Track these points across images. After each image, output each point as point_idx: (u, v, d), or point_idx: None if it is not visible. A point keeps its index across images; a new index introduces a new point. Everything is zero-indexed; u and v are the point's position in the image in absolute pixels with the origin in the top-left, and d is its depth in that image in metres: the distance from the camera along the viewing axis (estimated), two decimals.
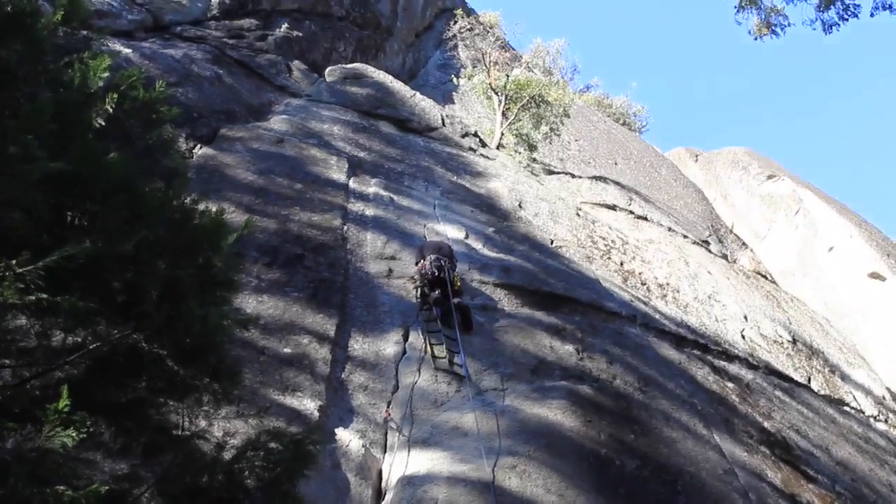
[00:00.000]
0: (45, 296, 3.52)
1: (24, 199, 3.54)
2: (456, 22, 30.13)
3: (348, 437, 8.30)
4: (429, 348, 9.87)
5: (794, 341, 16.41)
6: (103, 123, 4.48)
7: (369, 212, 12.83)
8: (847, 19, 16.67)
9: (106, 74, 4.48)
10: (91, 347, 4.06)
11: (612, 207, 20.64)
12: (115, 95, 4.64)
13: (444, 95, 25.44)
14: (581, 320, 11.59)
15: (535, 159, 22.29)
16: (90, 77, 4.39)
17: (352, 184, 13.51)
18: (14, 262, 3.44)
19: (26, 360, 3.91)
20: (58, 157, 3.65)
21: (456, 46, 29.32)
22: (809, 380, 14.73)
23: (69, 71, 4.35)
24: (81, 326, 3.99)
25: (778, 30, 17.56)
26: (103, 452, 4.33)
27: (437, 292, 10.36)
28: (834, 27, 16.85)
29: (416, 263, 10.95)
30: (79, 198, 3.95)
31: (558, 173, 22.58)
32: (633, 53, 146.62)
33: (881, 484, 11.91)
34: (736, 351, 13.91)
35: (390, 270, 11.42)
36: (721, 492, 8.99)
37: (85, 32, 4.72)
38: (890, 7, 15.99)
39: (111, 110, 4.55)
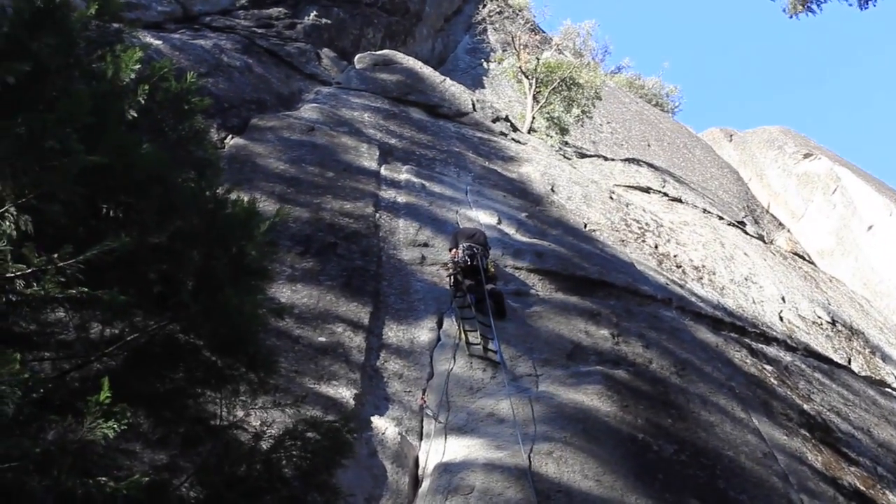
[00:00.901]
0: (85, 289, 3.55)
1: (61, 193, 3.57)
2: (485, 5, 30.04)
3: (384, 425, 8.33)
4: (463, 335, 9.86)
5: (834, 322, 16.25)
6: (136, 115, 4.51)
7: (401, 199, 12.84)
8: None
9: (137, 66, 4.49)
10: (129, 339, 4.09)
11: (646, 190, 20.51)
12: (147, 87, 4.66)
13: (475, 80, 25.33)
14: (616, 304, 11.54)
15: (566, 143, 22.18)
16: (122, 69, 4.41)
17: (383, 171, 13.52)
18: (56, 255, 3.47)
19: (66, 352, 3.95)
20: (92, 150, 3.67)
21: (485, 30, 29.19)
22: (850, 361, 14.59)
23: (101, 63, 4.37)
24: (119, 318, 4.02)
25: (813, 6, 17.35)
26: (143, 443, 4.37)
27: (470, 279, 10.36)
28: (870, 3, 16.64)
29: (450, 250, 10.95)
30: (112, 190, 3.97)
31: (591, 156, 22.45)
32: (664, 33, 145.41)
33: None
34: (774, 333, 13.80)
35: (423, 257, 11.43)
36: (761, 475, 8.93)
37: (116, 25, 4.74)
38: None
39: (143, 102, 4.57)
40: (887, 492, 10.27)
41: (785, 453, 9.66)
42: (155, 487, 3.86)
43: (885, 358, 16.07)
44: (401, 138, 15.43)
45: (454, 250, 10.75)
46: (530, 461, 7.66)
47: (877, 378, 14.56)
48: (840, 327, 16.21)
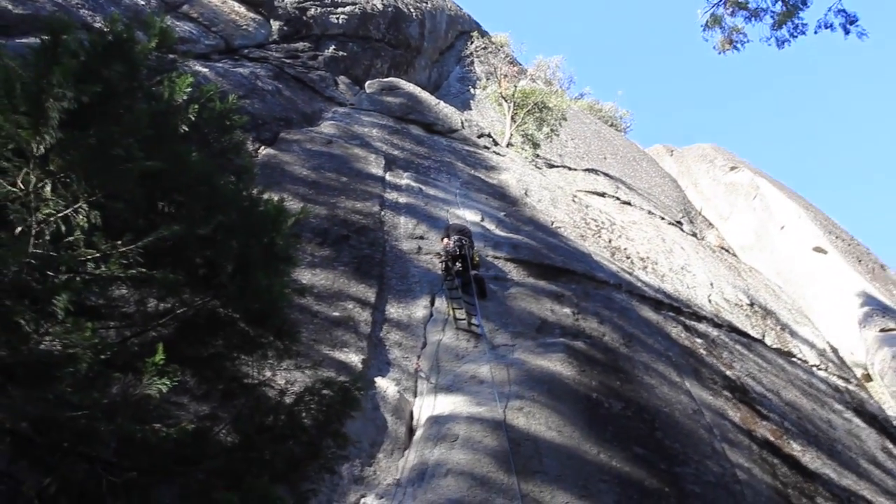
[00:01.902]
0: (142, 270, 3.56)
1: (124, 192, 3.57)
2: (472, 42, 29.97)
3: (386, 385, 8.35)
4: (451, 312, 9.90)
5: (752, 304, 16.33)
6: (187, 129, 4.50)
7: (402, 200, 12.84)
8: (796, 36, 16.54)
9: (188, 90, 4.49)
10: (178, 312, 4.09)
11: (602, 195, 20.53)
12: (196, 107, 4.66)
13: (463, 103, 25.30)
14: (576, 288, 11.58)
15: (538, 155, 22.16)
16: (176, 92, 4.41)
17: (388, 177, 13.51)
18: (119, 242, 3.47)
19: (127, 322, 3.96)
20: (150, 157, 3.67)
21: (472, 62, 29.12)
22: (764, 336, 14.67)
23: (159, 87, 4.37)
24: (171, 295, 4.03)
25: (738, 45, 17.41)
26: (189, 397, 4.38)
27: (458, 265, 10.41)
28: (785, 43, 16.70)
29: (442, 240, 10.99)
30: (167, 190, 3.97)
31: (557, 167, 22.46)
32: (619, 66, 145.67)
33: (821, 420, 11.88)
34: (703, 312, 13.86)
35: (419, 248, 11.44)
36: (691, 428, 8.99)
37: (172, 56, 4.74)
38: (830, 26, 15.93)
39: (193, 119, 4.57)
40: (791, 441, 10.35)
41: (710, 410, 9.72)
42: (199, 433, 3.87)
43: (793, 333, 16.17)
44: (402, 150, 15.42)
45: (446, 240, 10.81)
46: (505, 415, 7.70)
47: (785, 350, 14.65)
48: (757, 308, 16.28)
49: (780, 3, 16.67)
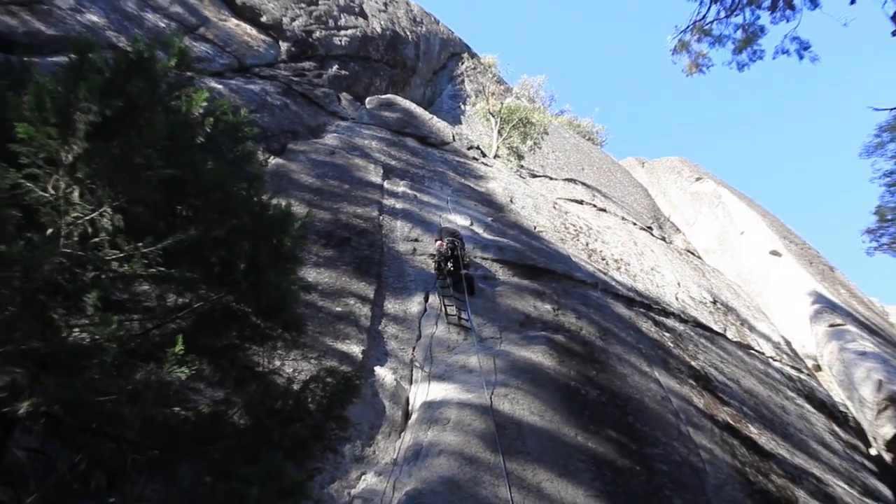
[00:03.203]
0: (162, 269, 3.56)
1: (146, 197, 3.57)
2: (463, 63, 30.01)
3: (384, 373, 8.35)
4: (443, 307, 9.91)
5: (715, 302, 16.39)
6: (202, 140, 4.50)
7: (399, 205, 12.84)
8: (755, 60, 16.70)
9: (204, 104, 4.49)
10: (195, 306, 4.09)
11: (580, 202, 20.59)
12: (211, 119, 4.66)
13: (454, 118, 25.32)
14: (557, 286, 11.60)
15: (522, 166, 22.21)
16: (193, 106, 4.41)
17: (385, 184, 13.50)
18: (140, 243, 3.47)
19: (149, 315, 3.95)
20: (169, 165, 3.67)
21: (463, 81, 29.15)
22: (725, 330, 14.73)
23: (177, 101, 4.36)
24: (189, 291, 4.02)
25: (704, 69, 17.54)
26: (205, 383, 4.37)
27: (450, 265, 10.43)
28: (745, 66, 16.85)
29: (436, 241, 11.00)
30: (184, 195, 3.97)
31: (540, 176, 22.51)
32: (596, 86, 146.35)
33: (776, 406, 11.94)
34: (671, 309, 13.91)
35: (414, 250, 11.44)
36: (659, 413, 9.03)
37: (189, 73, 4.73)
38: (786, 52, 16.10)
39: (208, 130, 4.57)
40: (749, 425, 10.41)
41: (677, 396, 9.76)
42: (214, 416, 3.88)
43: (751, 328, 16.25)
44: (399, 160, 15.41)
45: (439, 242, 10.82)
46: (491, 401, 7.72)
47: (744, 343, 14.71)
48: (719, 305, 16.35)
49: (740, 30, 16.80)
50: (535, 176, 22.25)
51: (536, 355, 8.86)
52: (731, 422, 10.10)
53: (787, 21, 16.27)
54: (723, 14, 16.89)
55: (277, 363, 6.79)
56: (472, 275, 10.64)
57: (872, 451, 13.24)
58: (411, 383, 8.50)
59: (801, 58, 16.30)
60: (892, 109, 22.90)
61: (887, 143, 27.48)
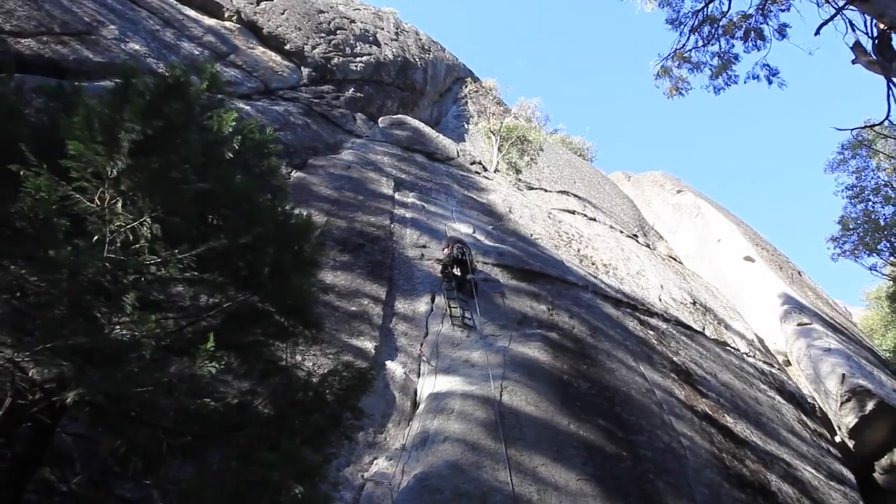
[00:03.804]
0: (195, 273, 3.56)
1: (181, 208, 3.58)
2: (466, 86, 30.04)
3: (394, 367, 8.35)
4: (449, 307, 9.91)
5: (694, 303, 16.35)
6: (232, 156, 4.51)
7: (408, 215, 12.85)
8: (730, 85, 16.82)
9: (233, 124, 4.50)
10: (225, 306, 4.09)
11: (572, 212, 20.57)
12: (240, 137, 4.66)
13: (459, 136, 25.33)
14: (551, 288, 11.59)
15: (520, 179, 22.19)
16: (223, 125, 4.42)
17: (396, 196, 13.52)
18: (176, 250, 3.48)
19: (183, 314, 3.96)
20: (202, 179, 3.68)
21: (466, 103, 29.16)
22: (704, 328, 14.69)
23: (210, 121, 4.37)
24: (219, 292, 4.03)
25: (683, 92, 17.59)
26: (233, 376, 4.38)
27: (457, 269, 10.44)
28: (721, 90, 16.94)
29: (445, 249, 10.99)
30: (216, 206, 3.97)
31: (536, 189, 22.49)
32: (587, 106, 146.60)
33: (750, 398, 11.90)
34: (655, 309, 13.88)
35: (422, 255, 11.45)
36: (644, 404, 9.00)
37: (220, 96, 4.74)
38: (757, 77, 16.23)
39: (237, 147, 4.58)
40: (725, 415, 10.37)
41: (660, 389, 9.73)
42: (241, 406, 3.88)
43: (727, 327, 16.21)
44: (408, 174, 15.44)
45: (447, 249, 10.81)
46: (498, 393, 7.71)
47: (721, 340, 14.67)
48: (698, 306, 16.31)
49: (716, 57, 16.87)
50: (531, 188, 22.23)
51: (533, 351, 8.84)
52: (710, 412, 10.06)
53: (759, 50, 16.36)
54: (701, 43, 16.94)
55: (298, 358, 6.80)
56: (476, 279, 10.64)
57: (837, 439, 13.18)
58: (419, 376, 8.49)
59: (770, 83, 16.40)
60: (852, 130, 22.87)
61: (849, 159, 27.50)
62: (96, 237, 3.41)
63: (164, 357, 3.56)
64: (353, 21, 23.29)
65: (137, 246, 3.46)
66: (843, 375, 13.79)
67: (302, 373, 5.15)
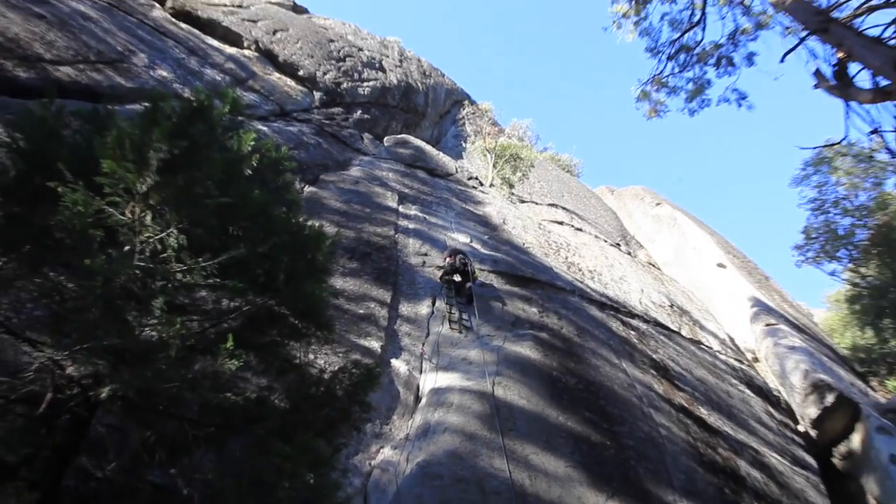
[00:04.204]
0: (217, 279, 3.57)
1: (204, 221, 3.59)
2: (464, 108, 30.14)
3: (399, 365, 8.34)
4: (448, 310, 9.91)
5: (672, 305, 16.35)
6: (250, 172, 4.51)
7: (411, 226, 12.87)
8: (703, 107, 16.98)
9: (252, 143, 4.50)
10: (244, 309, 4.08)
11: (561, 223, 20.59)
12: (258, 156, 4.66)
13: (457, 154, 25.40)
14: (542, 293, 11.60)
15: (513, 193, 22.24)
16: (243, 145, 4.42)
17: (400, 209, 13.54)
18: (200, 259, 3.49)
19: (206, 317, 3.95)
20: (223, 194, 3.68)
21: (464, 123, 29.25)
22: (680, 329, 14.69)
23: (231, 141, 4.38)
24: (239, 297, 4.02)
25: (661, 114, 17.69)
26: (252, 373, 4.37)
27: (458, 277, 10.45)
28: (695, 112, 17.06)
29: (447, 259, 10.98)
30: (236, 218, 3.98)
31: (527, 202, 22.52)
32: (574, 126, 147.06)
33: (722, 392, 11.89)
34: (636, 311, 13.88)
35: (424, 262, 11.46)
36: (626, 397, 8.99)
37: (240, 117, 4.75)
38: (727, 100, 16.38)
39: (255, 165, 4.58)
40: (700, 407, 10.36)
41: (641, 384, 9.72)
42: (259, 400, 3.87)
43: (701, 327, 16.20)
44: (411, 188, 15.47)
45: (449, 259, 10.82)
46: (488, 387, 7.70)
47: (696, 339, 14.67)
48: (675, 308, 16.31)
49: (691, 83, 16.98)
50: (523, 201, 22.27)
51: (525, 350, 8.84)
52: (686, 405, 10.05)
53: (729, 75, 16.50)
54: (677, 69, 17.04)
55: (311, 356, 6.80)
56: (473, 287, 10.63)
57: (800, 428, 13.16)
58: (421, 373, 8.49)
59: (740, 105, 16.55)
60: (814, 148, 23.01)
61: (811, 175, 27.68)
62: (127, 247, 3.41)
63: (189, 356, 3.56)
64: (360, 49, 23.39)
65: (165, 255, 3.47)
66: (807, 371, 13.79)
67: (314, 370, 5.15)
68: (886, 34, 10.34)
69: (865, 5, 11.27)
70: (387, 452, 6.78)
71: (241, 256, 3.69)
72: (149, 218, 3.42)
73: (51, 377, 3.30)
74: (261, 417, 3.72)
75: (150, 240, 3.43)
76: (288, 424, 3.81)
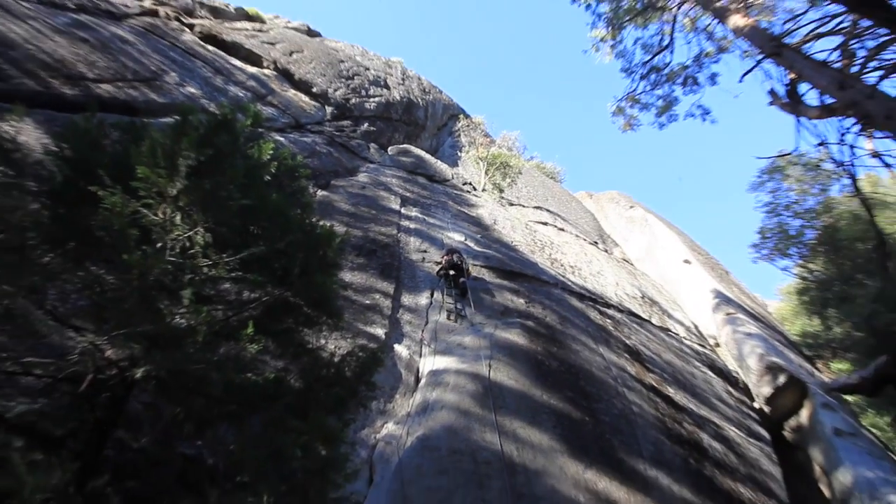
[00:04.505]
0: (239, 273, 3.57)
1: (228, 221, 3.59)
2: (459, 122, 30.11)
3: (401, 349, 8.35)
4: (444, 301, 9.91)
5: (643, 297, 16.38)
6: (269, 178, 4.51)
7: (412, 226, 12.86)
8: (672, 121, 17.08)
9: (270, 152, 4.49)
10: (263, 300, 4.08)
11: (545, 224, 20.59)
12: (275, 163, 4.66)
13: (453, 162, 25.36)
14: (528, 286, 11.61)
15: (503, 197, 22.22)
16: (262, 153, 4.41)
17: (402, 210, 13.53)
18: (224, 255, 3.48)
19: (229, 306, 3.95)
20: (245, 197, 3.68)
21: (459, 135, 29.21)
22: (651, 317, 14.71)
23: (252, 150, 4.38)
24: (258, 288, 4.02)
25: (635, 127, 17.72)
26: (270, 356, 4.37)
27: (453, 272, 10.45)
28: (664, 126, 17.13)
29: (444, 256, 10.98)
30: (256, 218, 3.98)
31: (515, 205, 22.52)
32: (558, 136, 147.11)
33: (687, 373, 11.91)
34: (611, 302, 13.91)
35: (423, 258, 11.45)
36: (603, 378, 9.01)
37: (260, 129, 4.74)
38: (693, 115, 16.48)
39: (273, 171, 4.58)
40: (668, 386, 10.38)
41: (615, 366, 9.75)
42: (276, 379, 3.87)
43: (669, 316, 16.23)
44: (412, 192, 15.45)
45: (447, 256, 10.81)
46: (481, 369, 7.71)
47: (664, 327, 14.70)
48: (646, 299, 16.34)
49: (661, 99, 17.02)
50: (512, 204, 22.26)
51: (513, 336, 8.85)
52: (655, 384, 10.08)
53: (695, 93, 16.60)
54: (648, 88, 17.09)
55: (323, 342, 6.80)
56: (466, 281, 10.63)
57: (755, 405, 13.21)
58: (421, 356, 8.50)
59: (704, 120, 16.63)
60: (769, 158, 23.07)
61: (766, 182, 27.81)
62: (160, 244, 3.41)
63: (215, 341, 3.55)
64: (367, 69, 23.34)
65: (193, 251, 3.46)
66: (761, 355, 13.84)
67: (325, 354, 5.15)
68: (831, 58, 10.40)
69: (813, 33, 11.34)
70: (390, 427, 6.78)
71: (260, 253, 3.70)
72: (178, 218, 3.42)
73: (92, 359, 3.30)
74: (278, 396, 3.72)
75: (180, 238, 3.43)
76: (302, 402, 3.82)
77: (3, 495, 2.46)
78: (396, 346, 8.36)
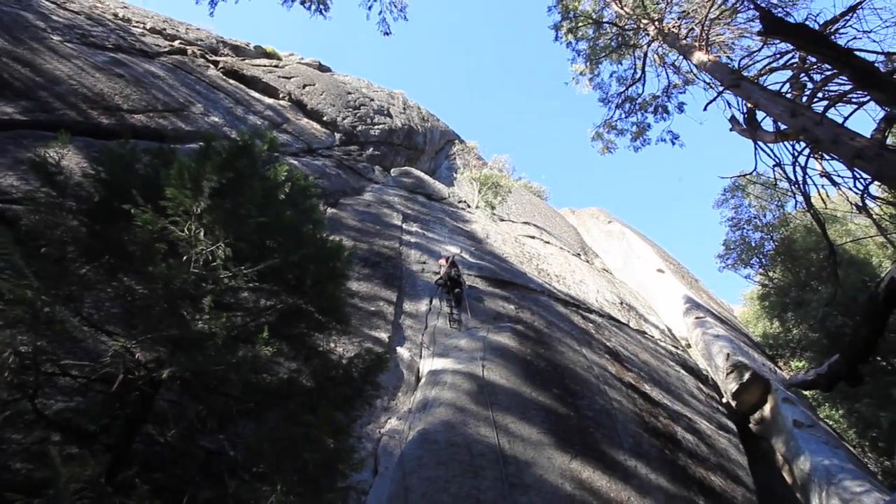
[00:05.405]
0: (257, 283, 3.57)
1: (247, 236, 3.59)
2: (454, 146, 30.25)
3: (403, 351, 8.32)
4: (443, 307, 9.89)
5: (621, 303, 16.38)
6: (283, 197, 4.52)
7: (412, 240, 12.87)
8: (645, 145, 17.20)
9: (285, 174, 4.51)
10: (278, 307, 4.08)
11: (533, 237, 20.63)
12: (290, 184, 4.68)
13: (449, 182, 25.43)
14: (517, 293, 11.60)
15: (494, 214, 22.26)
16: (278, 175, 4.43)
17: (404, 226, 13.55)
18: (243, 267, 3.49)
19: (247, 313, 3.95)
20: (262, 214, 3.69)
21: (455, 158, 29.32)
22: (629, 321, 14.70)
23: (268, 172, 4.40)
24: (274, 297, 4.02)
25: (612, 150, 17.83)
26: (284, 358, 4.35)
27: (449, 283, 10.43)
28: (638, 149, 17.26)
29: (441, 261, 10.96)
30: (272, 234, 3.98)
31: (506, 220, 22.56)
32: (544, 158, 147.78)
33: (663, 372, 11.87)
34: (593, 308, 13.89)
35: (423, 269, 11.45)
36: (586, 377, 8.98)
37: (276, 153, 4.76)
38: (664, 140, 16.60)
39: (287, 191, 4.59)
40: (645, 384, 10.34)
41: (597, 366, 9.72)
42: (290, 379, 3.85)
43: (645, 320, 16.22)
44: (413, 210, 15.48)
45: (445, 268, 10.79)
46: (476, 370, 7.68)
47: (641, 330, 14.68)
48: (624, 305, 16.33)
49: (635, 126, 17.15)
50: (502, 220, 22.30)
51: (504, 339, 8.83)
52: (633, 382, 10.05)
53: (665, 120, 16.76)
54: (623, 116, 17.25)
55: (332, 345, 6.77)
56: (462, 291, 10.61)
57: (724, 400, 13.17)
58: (421, 358, 8.47)
59: (674, 144, 16.75)
60: (731, 177, 23.22)
61: (729, 199, 28.01)
62: (185, 257, 3.41)
63: (234, 344, 3.54)
64: (372, 99, 23.50)
65: (215, 264, 3.47)
66: (728, 354, 13.82)
67: (335, 356, 5.13)
68: (784, 89, 10.53)
69: (768, 67, 11.51)
70: (393, 423, 6.74)
71: (275, 265, 3.70)
72: (202, 234, 3.42)
73: (123, 362, 3.29)
74: (291, 394, 3.71)
75: (204, 251, 3.44)
76: (313, 400, 3.79)
77: (40, 485, 2.43)
78: (399, 349, 8.33)
